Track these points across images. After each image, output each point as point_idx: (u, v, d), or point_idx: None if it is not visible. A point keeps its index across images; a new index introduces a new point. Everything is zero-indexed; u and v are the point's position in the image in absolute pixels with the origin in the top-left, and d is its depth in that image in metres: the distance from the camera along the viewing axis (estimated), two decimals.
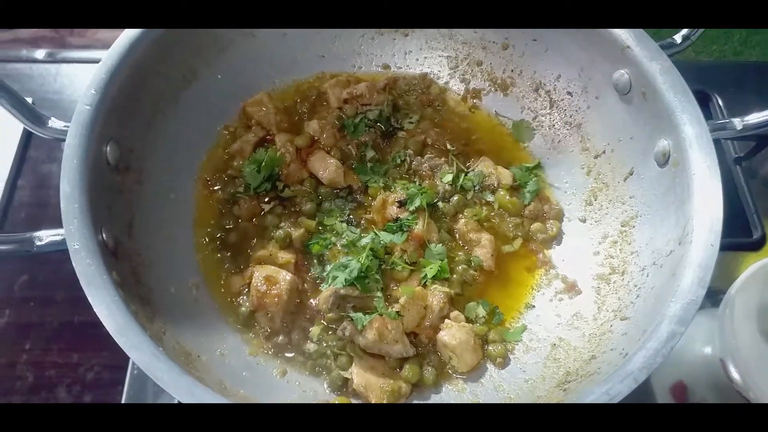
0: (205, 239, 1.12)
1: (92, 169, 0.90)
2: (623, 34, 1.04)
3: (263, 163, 1.13)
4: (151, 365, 0.76)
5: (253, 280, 1.03)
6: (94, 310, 0.79)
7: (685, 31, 1.11)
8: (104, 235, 0.88)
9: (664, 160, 0.98)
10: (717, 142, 1.30)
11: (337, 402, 0.95)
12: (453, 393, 0.99)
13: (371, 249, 1.05)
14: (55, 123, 0.97)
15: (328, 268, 1.07)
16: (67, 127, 0.92)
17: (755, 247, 1.26)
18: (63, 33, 1.64)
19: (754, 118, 0.99)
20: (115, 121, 0.98)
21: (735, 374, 0.96)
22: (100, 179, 0.93)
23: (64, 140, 0.91)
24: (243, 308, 1.04)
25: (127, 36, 1.02)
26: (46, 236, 0.87)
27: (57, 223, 0.85)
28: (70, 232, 0.84)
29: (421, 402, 0.99)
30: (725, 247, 1.21)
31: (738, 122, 0.99)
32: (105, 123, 0.95)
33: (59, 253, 0.86)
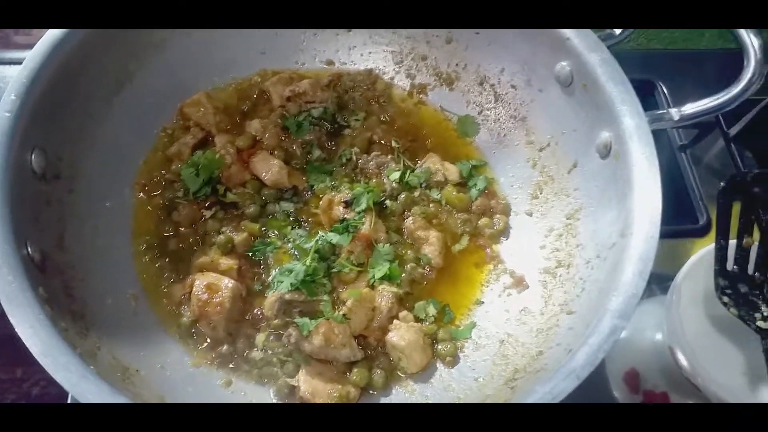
0: (143, 248, 1.07)
1: (14, 179, 0.86)
2: None
3: (201, 166, 1.09)
4: (79, 387, 0.73)
5: (194, 289, 1.00)
6: (16, 330, 0.75)
7: None
8: (29, 249, 0.84)
9: (606, 152, 0.98)
10: (663, 131, 1.32)
11: None
12: (403, 395, 0.98)
13: (317, 251, 1.03)
14: None
15: (274, 272, 1.04)
16: None
17: (701, 233, 1.27)
18: (8, 32, 1.57)
19: (690, 108, 1.00)
20: (40, 128, 0.93)
21: (683, 360, 0.96)
22: (25, 190, 0.89)
23: None
24: (184, 318, 1.01)
25: (50, 36, 0.97)
26: None
27: None
28: None
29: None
30: (672, 234, 1.25)
31: (675, 112, 1.00)
32: (28, 130, 0.90)
33: None
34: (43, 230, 0.91)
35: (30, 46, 0.98)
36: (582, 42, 1.02)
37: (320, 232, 1.08)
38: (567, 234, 1.04)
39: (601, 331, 0.78)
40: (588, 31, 1.03)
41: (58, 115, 0.98)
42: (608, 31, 1.10)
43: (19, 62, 1.36)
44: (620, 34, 1.09)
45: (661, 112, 1.00)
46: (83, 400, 0.72)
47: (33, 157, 0.91)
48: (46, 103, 0.95)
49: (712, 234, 1.24)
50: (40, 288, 0.81)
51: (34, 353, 0.74)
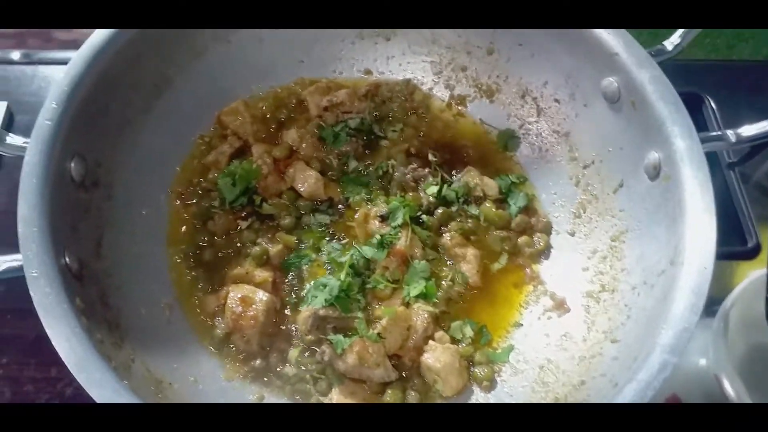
0: (178, 257, 1.07)
1: (54, 188, 0.86)
2: (611, 40, 0.99)
3: (238, 176, 1.08)
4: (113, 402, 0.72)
5: (228, 301, 0.99)
6: (53, 343, 0.75)
7: (675, 37, 1.07)
8: (67, 259, 0.84)
9: (654, 174, 0.94)
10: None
11: None
12: None
13: (351, 266, 1.01)
14: (13, 139, 0.92)
15: (308, 286, 1.03)
16: (27, 143, 0.88)
17: (750, 255, 1.22)
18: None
19: (748, 130, 0.96)
20: (80, 135, 0.93)
21: (729, 390, 0.93)
22: (64, 198, 0.89)
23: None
24: (218, 330, 1.00)
25: (91, 44, 0.97)
26: (3, 262, 0.83)
27: None
28: (28, 259, 0.79)
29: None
30: (719, 256, 1.19)
31: (731, 134, 0.96)
32: (68, 138, 0.90)
33: None
34: (81, 238, 0.91)
35: (71, 43, 0.98)
36: (630, 57, 0.98)
37: (355, 246, 1.06)
38: (612, 257, 1.00)
39: (650, 366, 0.75)
40: (637, 45, 0.99)
41: (97, 122, 0.98)
42: (658, 46, 1.06)
43: (61, 62, 1.39)
44: (671, 50, 1.05)
45: (715, 133, 0.97)
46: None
47: (72, 164, 0.91)
48: (87, 109, 0.94)
49: (761, 257, 1.21)
50: (77, 298, 0.81)
51: (69, 367, 0.73)
